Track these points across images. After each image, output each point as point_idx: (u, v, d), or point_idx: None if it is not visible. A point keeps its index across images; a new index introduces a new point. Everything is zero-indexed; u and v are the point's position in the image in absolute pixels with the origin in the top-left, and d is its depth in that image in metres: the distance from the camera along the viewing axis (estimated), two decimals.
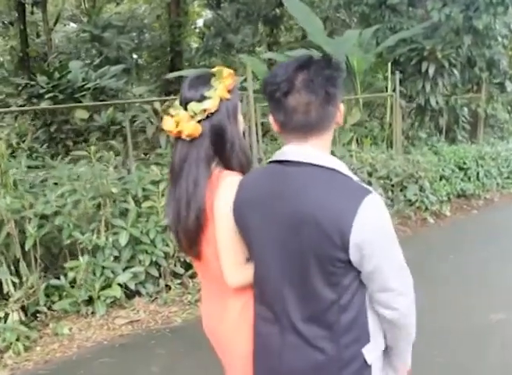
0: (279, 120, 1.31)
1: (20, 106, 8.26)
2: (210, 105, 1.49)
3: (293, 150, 1.31)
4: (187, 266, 4.35)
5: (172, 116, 1.52)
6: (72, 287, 3.79)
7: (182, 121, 1.49)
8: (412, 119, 8.17)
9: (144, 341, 3.56)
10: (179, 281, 4.27)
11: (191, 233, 1.52)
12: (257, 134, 5.78)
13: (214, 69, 1.57)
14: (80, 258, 3.73)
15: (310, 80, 1.25)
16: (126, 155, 5.57)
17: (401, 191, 6.75)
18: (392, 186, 6.62)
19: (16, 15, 17.92)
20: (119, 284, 3.88)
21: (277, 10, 14.99)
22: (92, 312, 3.82)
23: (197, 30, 23.80)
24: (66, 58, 17.23)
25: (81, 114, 6.91)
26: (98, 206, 3.96)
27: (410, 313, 1.35)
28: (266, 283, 1.40)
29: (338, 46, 7.45)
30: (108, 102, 6.52)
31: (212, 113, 1.50)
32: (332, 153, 1.39)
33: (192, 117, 1.49)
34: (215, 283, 1.59)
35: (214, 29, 19.40)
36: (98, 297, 3.81)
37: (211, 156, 1.51)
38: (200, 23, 24.16)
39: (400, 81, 7.36)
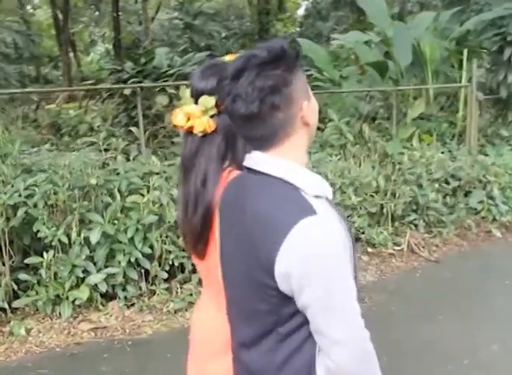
0: (234, 127, 1.19)
1: (108, 91, 8.34)
2: None
3: (253, 157, 1.17)
4: (178, 270, 3.93)
5: (182, 109, 1.41)
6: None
7: (193, 116, 1.39)
8: (491, 114, 7.04)
9: (96, 353, 3.19)
10: (165, 286, 3.85)
11: (197, 231, 1.42)
12: None
13: (227, 57, 1.44)
14: (45, 254, 3.44)
15: (239, 94, 1.08)
16: (147, 142, 5.26)
17: (465, 196, 5.80)
18: (455, 191, 5.70)
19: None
20: (93, 285, 3.55)
21: None
22: (60, 313, 3.52)
23: (298, 19, 23.38)
24: (159, 45, 17.59)
25: (161, 99, 6.71)
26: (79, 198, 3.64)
27: (354, 372, 1.04)
28: (226, 301, 1.28)
29: (404, 30, 6.57)
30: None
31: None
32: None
33: (204, 112, 1.38)
34: (214, 290, 1.44)
35: (311, 17, 18.84)
36: (67, 297, 3.50)
37: (223, 154, 1.42)
38: (301, 11, 23.73)
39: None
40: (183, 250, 3.91)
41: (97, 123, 8.11)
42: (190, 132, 1.41)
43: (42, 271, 3.44)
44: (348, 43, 7.86)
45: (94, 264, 3.62)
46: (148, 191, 3.81)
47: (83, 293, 3.49)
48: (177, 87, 6.54)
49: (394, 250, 4.92)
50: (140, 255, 3.62)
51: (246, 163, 1.19)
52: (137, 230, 3.64)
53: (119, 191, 3.78)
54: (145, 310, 3.67)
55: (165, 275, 3.80)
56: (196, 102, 1.40)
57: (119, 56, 16.69)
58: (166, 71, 7.51)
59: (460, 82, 6.73)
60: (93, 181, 3.63)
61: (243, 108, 1.08)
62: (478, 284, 4.26)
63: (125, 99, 6.93)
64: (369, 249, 4.84)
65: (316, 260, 1.01)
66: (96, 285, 3.56)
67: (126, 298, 3.74)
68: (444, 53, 7.06)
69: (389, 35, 6.49)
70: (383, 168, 5.32)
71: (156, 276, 3.82)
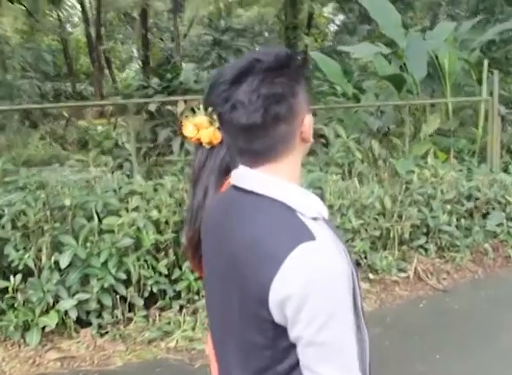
0: (225, 138, 1.11)
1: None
2: None
3: (241, 174, 1.06)
4: (160, 297, 3.74)
5: (192, 120, 1.37)
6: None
7: (201, 127, 1.35)
8: None
9: None
10: (143, 313, 3.65)
11: (195, 245, 1.35)
12: None
13: None
14: (12, 278, 3.30)
15: (241, 101, 0.98)
16: (144, 160, 5.12)
17: (483, 218, 5.41)
18: (471, 213, 5.32)
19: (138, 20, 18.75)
20: (64, 312, 3.39)
21: None
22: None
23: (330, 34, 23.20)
24: (188, 61, 17.73)
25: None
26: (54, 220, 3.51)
27: None
28: (211, 332, 1.18)
29: (419, 41, 6.26)
30: (98, 103, 6.12)
31: None
32: None
33: (211, 123, 1.33)
34: None
35: (343, 32, 18.62)
36: (36, 324, 3.35)
37: (226, 166, 1.36)
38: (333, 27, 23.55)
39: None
40: (165, 275, 3.73)
41: (123, 138, 8.09)
42: (199, 144, 1.38)
43: (8, 296, 3.30)
44: (367, 56, 7.59)
45: (69, 289, 3.47)
46: (127, 213, 3.64)
47: (51, 319, 3.33)
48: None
49: (399, 277, 4.58)
50: (113, 281, 3.44)
51: (234, 181, 1.09)
52: (111, 253, 3.46)
53: (96, 212, 3.63)
54: (118, 339, 3.48)
55: (142, 302, 3.61)
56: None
57: (146, 72, 16.89)
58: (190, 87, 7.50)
59: (481, 95, 6.34)
60: (67, 202, 3.49)
61: (244, 118, 0.98)
62: (489, 318, 3.88)
63: (151, 115, 6.88)
64: (371, 276, 4.52)
65: (314, 288, 0.91)
66: (67, 311, 3.40)
67: (100, 325, 3.56)
68: (464, 65, 6.69)
69: (401, 46, 6.19)
70: (390, 188, 5.00)
71: (130, 303, 3.62)
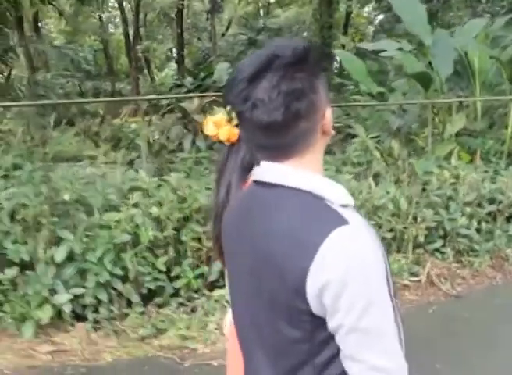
0: (244, 135, 1.07)
1: (167, 106, 8.45)
2: None
3: (265, 168, 1.04)
4: (156, 292, 3.71)
5: (211, 118, 1.41)
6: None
7: (219, 125, 1.39)
8: None
9: None
10: (141, 310, 3.63)
11: (220, 243, 1.32)
12: None
13: None
14: (7, 270, 3.34)
15: (261, 99, 0.96)
16: (156, 157, 5.13)
17: (508, 222, 5.15)
18: (495, 217, 5.07)
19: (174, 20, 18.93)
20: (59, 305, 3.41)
21: None
22: None
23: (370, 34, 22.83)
24: (223, 61, 17.77)
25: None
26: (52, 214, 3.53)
27: None
28: (238, 329, 1.16)
29: (446, 38, 6.02)
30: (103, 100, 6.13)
31: None
32: None
33: (229, 121, 1.37)
34: None
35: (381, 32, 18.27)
36: (32, 317, 3.38)
37: (248, 163, 1.38)
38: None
39: None
40: (164, 272, 3.70)
41: (155, 136, 8.17)
42: (221, 142, 1.40)
43: (4, 288, 3.34)
44: (392, 54, 7.37)
45: (66, 283, 3.48)
46: (128, 209, 3.63)
47: (45, 313, 3.35)
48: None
49: (410, 281, 4.40)
50: (108, 276, 3.43)
51: (255, 177, 1.08)
52: (108, 249, 3.45)
53: (97, 207, 3.63)
54: (112, 334, 3.47)
55: (138, 298, 3.58)
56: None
57: (181, 72, 17.04)
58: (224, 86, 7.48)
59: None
60: (66, 197, 3.50)
61: (265, 116, 0.96)
62: (499, 328, 3.66)
63: (183, 113, 6.91)
64: None
65: (352, 273, 0.90)
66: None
67: (96, 320, 3.56)
68: (496, 63, 6.40)
69: (426, 44, 5.96)
70: (407, 189, 4.82)
71: (127, 299, 3.60)
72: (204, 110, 4.78)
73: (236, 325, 1.18)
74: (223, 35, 22.99)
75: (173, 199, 3.76)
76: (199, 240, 3.79)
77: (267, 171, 1.04)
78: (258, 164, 1.07)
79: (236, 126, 1.34)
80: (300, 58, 0.97)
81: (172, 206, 3.70)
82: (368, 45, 7.58)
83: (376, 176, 5.15)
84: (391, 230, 4.51)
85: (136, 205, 3.65)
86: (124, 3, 20.00)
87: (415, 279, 4.44)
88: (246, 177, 1.36)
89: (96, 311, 3.58)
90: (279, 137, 0.99)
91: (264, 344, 1.05)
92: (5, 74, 7.12)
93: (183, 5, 17.17)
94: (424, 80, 6.09)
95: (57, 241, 3.51)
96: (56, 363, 3.21)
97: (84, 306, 3.55)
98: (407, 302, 4.12)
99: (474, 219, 4.90)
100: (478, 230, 4.93)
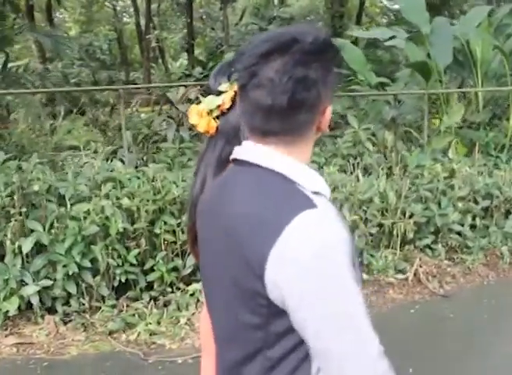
0: (241, 115, 1.03)
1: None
2: (223, 100, 1.32)
3: (247, 147, 1.03)
4: (129, 286, 3.64)
5: (194, 107, 1.36)
6: None
7: (201, 115, 1.34)
8: None
9: (2, 373, 2.97)
10: (112, 303, 3.57)
11: (195, 233, 1.29)
12: None
13: None
14: None
15: (270, 79, 0.92)
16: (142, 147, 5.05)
17: (505, 218, 4.97)
18: (489, 212, 4.90)
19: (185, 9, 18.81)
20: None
21: None
22: None
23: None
24: (235, 50, 17.58)
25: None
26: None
27: None
28: (210, 315, 1.13)
29: (445, 27, 5.82)
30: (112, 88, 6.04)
31: (228, 109, 1.33)
32: None
33: (209, 113, 1.34)
34: None
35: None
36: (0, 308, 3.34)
37: (225, 157, 1.30)
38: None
39: None
40: (136, 265, 3.63)
41: (164, 126, 8.13)
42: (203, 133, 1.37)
43: None
44: (399, 43, 7.16)
45: (35, 274, 3.43)
46: (100, 200, 3.55)
47: (12, 304, 3.30)
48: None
49: (395, 278, 4.26)
50: (76, 268, 3.36)
51: (235, 155, 1.05)
52: (76, 241, 3.39)
53: (69, 198, 3.56)
54: (80, 328, 3.41)
55: (107, 291, 3.52)
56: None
57: (191, 61, 16.95)
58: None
59: None
60: (35, 187, 3.44)
61: (269, 98, 0.93)
62: (483, 330, 3.52)
63: (169, 103, 6.84)
64: (364, 276, 4.22)
65: (318, 262, 0.85)
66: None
67: (67, 313, 3.51)
68: (499, 53, 6.17)
69: (424, 32, 5.75)
70: (396, 182, 4.66)
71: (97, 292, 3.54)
72: (190, 100, 4.67)
73: (209, 314, 1.15)
74: (236, 25, 22.81)
75: (146, 190, 3.67)
76: (174, 232, 3.70)
77: (248, 150, 1.01)
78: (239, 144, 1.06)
79: (216, 118, 1.34)
80: (319, 48, 0.95)
81: (144, 198, 3.62)
82: (361, 33, 7.38)
83: (367, 169, 5.01)
84: (379, 226, 4.36)
85: (106, 197, 3.57)
86: None
87: (402, 276, 4.30)
88: (222, 170, 1.29)
89: (67, 303, 3.53)
90: (276, 121, 0.96)
91: (228, 328, 1.03)
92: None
93: None
94: (423, 70, 5.90)
95: (28, 232, 3.46)
96: (20, 356, 3.17)
97: (55, 298, 3.51)
98: (390, 301, 3.99)
99: (468, 215, 4.73)
100: (473, 227, 4.76)
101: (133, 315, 3.50)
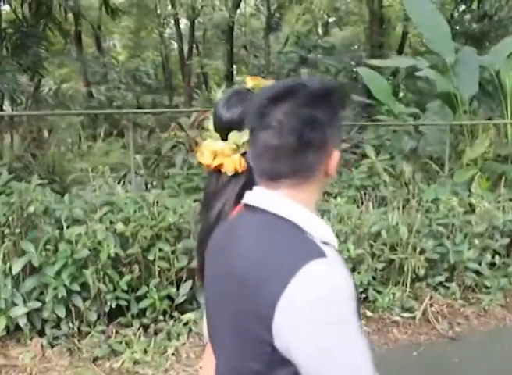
0: (251, 159, 1.06)
1: None
2: None
3: (257, 192, 1.05)
4: (121, 312, 3.60)
5: (208, 146, 1.31)
6: None
7: (222, 154, 1.29)
8: None
9: None
10: (102, 328, 3.52)
11: (199, 266, 1.35)
12: None
13: (249, 84, 1.33)
14: None
15: (279, 120, 0.96)
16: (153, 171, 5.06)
17: None
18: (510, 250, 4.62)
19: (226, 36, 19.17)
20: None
21: None
22: None
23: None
24: (275, 78, 17.70)
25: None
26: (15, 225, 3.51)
27: None
28: (215, 354, 1.13)
29: (471, 57, 5.64)
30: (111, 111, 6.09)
31: None
32: None
33: (235, 150, 1.27)
34: None
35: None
36: None
37: (242, 193, 1.25)
38: None
39: None
40: (128, 291, 3.58)
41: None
42: (216, 170, 1.31)
43: None
44: (428, 73, 7.00)
45: (25, 296, 3.43)
46: (94, 224, 3.55)
47: (0, 324, 3.31)
48: None
49: (402, 317, 4.04)
50: (64, 292, 3.34)
51: (245, 200, 1.08)
52: (67, 264, 3.38)
53: (65, 220, 3.58)
54: (66, 352, 3.37)
55: (95, 316, 3.48)
56: (223, 136, 1.28)
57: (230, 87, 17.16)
58: None
59: None
60: (31, 209, 3.48)
61: (277, 137, 0.97)
62: None
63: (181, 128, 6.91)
64: (368, 313, 4.03)
65: (325, 309, 0.88)
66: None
67: (56, 336, 3.48)
68: None
69: (448, 62, 5.58)
70: (410, 216, 4.46)
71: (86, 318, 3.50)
72: (199, 126, 4.68)
73: (214, 352, 1.15)
74: (279, 53, 23.06)
75: (143, 216, 3.64)
76: (168, 260, 3.64)
77: (256, 195, 1.04)
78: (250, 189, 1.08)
79: (243, 154, 1.27)
80: (326, 92, 0.99)
81: (140, 223, 3.59)
82: (378, 62, 7.24)
83: (382, 202, 4.83)
84: (388, 261, 4.17)
85: (100, 221, 3.56)
86: (182, 20, 20.54)
87: (409, 315, 4.08)
88: (237, 204, 1.27)
89: (58, 326, 3.51)
90: (283, 162, 0.98)
91: (228, 372, 1.04)
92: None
93: (233, 22, 17.35)
94: (448, 101, 5.71)
95: (21, 252, 3.48)
96: None
97: (46, 321, 3.49)
98: (392, 341, 3.77)
99: (487, 253, 4.47)
100: (492, 265, 4.49)
101: (120, 342, 3.44)
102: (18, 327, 3.47)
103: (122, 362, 3.31)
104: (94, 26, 19.55)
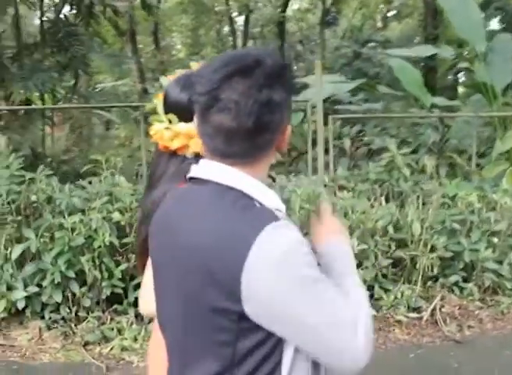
0: (201, 136, 1.03)
1: None
2: None
3: (206, 166, 1.04)
4: (119, 300, 3.67)
5: (171, 128, 1.35)
6: None
7: (188, 136, 1.32)
8: None
9: None
10: (98, 314, 3.61)
11: (141, 249, 1.40)
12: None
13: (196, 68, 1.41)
14: None
15: (236, 101, 0.93)
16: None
17: None
18: None
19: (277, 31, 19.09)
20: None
21: None
22: None
23: None
24: (328, 73, 17.57)
25: None
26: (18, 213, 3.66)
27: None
28: (163, 332, 1.12)
29: (508, 45, 5.30)
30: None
31: None
32: None
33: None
34: None
35: None
36: None
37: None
38: None
39: None
40: (122, 279, 3.65)
41: None
42: (170, 152, 1.35)
43: None
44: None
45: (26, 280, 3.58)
46: (91, 213, 3.64)
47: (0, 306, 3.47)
48: None
49: (406, 317, 3.86)
50: (59, 278, 3.45)
51: (191, 174, 1.06)
52: (63, 251, 3.49)
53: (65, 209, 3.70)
54: (60, 336, 3.49)
55: (89, 302, 3.57)
56: (182, 119, 1.32)
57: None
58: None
59: None
60: (33, 197, 3.62)
61: (234, 121, 0.94)
62: None
63: None
64: (372, 311, 3.87)
65: (286, 264, 0.91)
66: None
67: (54, 320, 3.61)
68: None
69: (478, 50, 5.26)
70: (423, 211, 4.25)
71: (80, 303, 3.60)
72: None
73: (163, 333, 1.12)
74: (336, 48, 22.71)
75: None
76: None
77: (205, 168, 1.02)
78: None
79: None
80: (280, 70, 0.97)
81: (135, 213, 3.64)
82: (400, 51, 6.93)
83: (399, 197, 4.64)
84: (398, 259, 4.00)
85: (99, 210, 3.64)
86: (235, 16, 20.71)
87: (415, 315, 3.89)
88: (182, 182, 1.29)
89: (57, 311, 3.64)
90: (238, 144, 0.97)
91: (184, 350, 1.02)
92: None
93: (284, 17, 17.26)
94: (480, 92, 5.41)
95: (24, 239, 3.63)
96: None
97: (47, 305, 3.63)
98: (392, 341, 3.62)
99: (509, 253, 4.20)
100: None
101: (112, 329, 3.51)
102: (22, 310, 3.62)
103: (111, 348, 3.38)
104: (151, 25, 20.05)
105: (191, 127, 1.27)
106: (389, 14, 23.63)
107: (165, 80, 1.51)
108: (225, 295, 0.91)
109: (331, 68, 18.88)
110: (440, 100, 6.50)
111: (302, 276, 0.91)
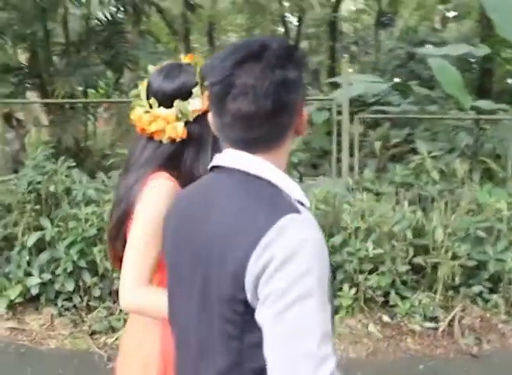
0: (220, 130, 1.02)
1: None
2: (201, 105, 1.33)
3: (227, 153, 1.03)
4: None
5: (152, 112, 1.37)
6: None
7: (166, 120, 1.33)
8: None
9: None
10: (109, 305, 3.68)
11: (111, 234, 1.43)
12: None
13: (185, 61, 1.42)
14: None
15: (251, 85, 0.93)
16: None
17: None
18: None
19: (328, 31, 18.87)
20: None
21: None
22: None
23: None
24: (381, 75, 17.25)
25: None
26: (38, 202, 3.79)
27: None
28: (174, 326, 1.10)
29: None
30: None
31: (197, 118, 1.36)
32: None
33: (179, 118, 1.34)
34: None
35: None
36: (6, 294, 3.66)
37: (165, 160, 1.37)
38: None
39: None
40: None
41: None
42: (148, 136, 1.37)
43: None
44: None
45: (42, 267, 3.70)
46: (104, 205, 3.72)
47: (14, 292, 3.60)
48: None
49: (421, 326, 3.69)
50: (71, 267, 3.54)
51: (215, 162, 1.05)
52: (75, 241, 3.57)
53: (82, 200, 3.79)
54: (70, 324, 3.57)
55: (98, 292, 3.63)
56: (163, 104, 1.34)
57: (330, 84, 16.92)
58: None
59: None
60: (51, 188, 3.73)
61: (253, 105, 0.93)
62: None
63: None
64: (385, 318, 3.74)
65: (293, 259, 0.86)
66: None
67: (67, 308, 3.70)
68: None
69: None
70: (447, 217, 4.06)
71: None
72: None
73: (172, 325, 1.11)
74: (391, 50, 22.21)
75: None
76: None
77: (229, 156, 1.01)
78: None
79: (186, 124, 1.33)
80: (288, 52, 0.97)
81: None
82: (433, 50, 6.63)
83: (425, 200, 4.47)
84: (417, 265, 3.85)
85: (109, 201, 3.71)
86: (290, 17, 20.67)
87: (432, 325, 3.72)
88: (154, 172, 1.34)
89: (70, 299, 3.73)
90: (258, 128, 0.96)
91: (192, 344, 1.00)
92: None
93: (335, 17, 17.06)
94: None
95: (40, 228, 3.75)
96: (6, 339, 3.42)
97: (60, 293, 3.73)
98: (401, 351, 3.47)
99: None
100: None
101: (119, 319, 3.56)
102: (37, 297, 3.74)
103: (116, 339, 3.43)
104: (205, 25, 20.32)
105: (170, 112, 1.31)
106: (449, 15, 22.90)
107: (152, 69, 1.52)
108: (234, 283, 0.89)
109: (383, 70, 18.49)
110: (486, 103, 6.20)
111: (306, 277, 0.86)
